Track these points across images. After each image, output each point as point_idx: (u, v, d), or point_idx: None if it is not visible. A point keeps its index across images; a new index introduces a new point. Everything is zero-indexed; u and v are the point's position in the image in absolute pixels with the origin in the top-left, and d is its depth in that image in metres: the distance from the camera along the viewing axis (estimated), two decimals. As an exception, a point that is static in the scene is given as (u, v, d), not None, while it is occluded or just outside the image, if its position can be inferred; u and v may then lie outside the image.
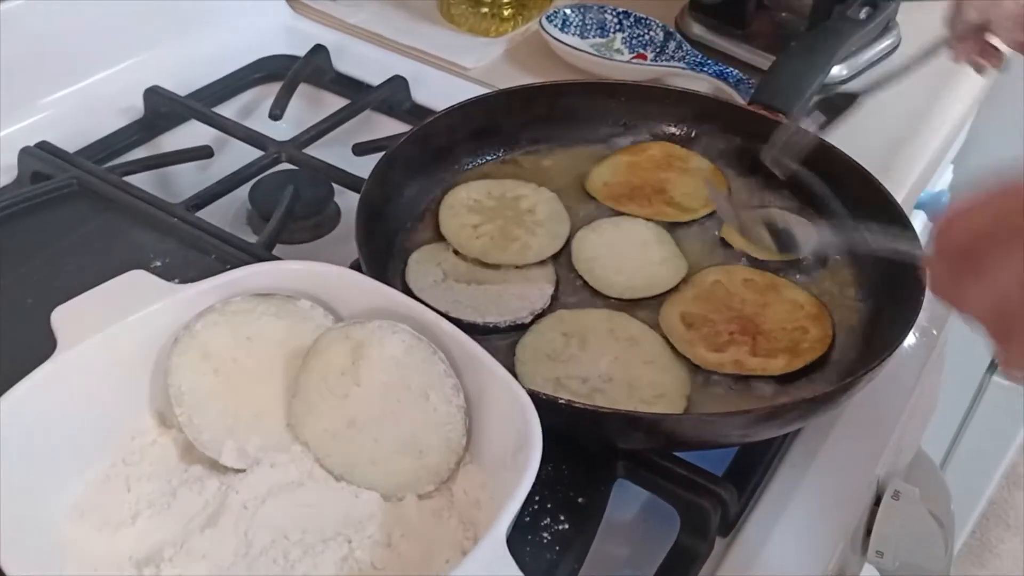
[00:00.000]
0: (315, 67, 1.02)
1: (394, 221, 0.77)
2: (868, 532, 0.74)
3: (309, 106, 1.03)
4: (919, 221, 1.31)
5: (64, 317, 0.56)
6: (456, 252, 0.75)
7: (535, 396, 0.56)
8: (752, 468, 0.67)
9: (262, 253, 0.77)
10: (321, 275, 0.61)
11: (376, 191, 0.74)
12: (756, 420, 0.59)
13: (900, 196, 0.95)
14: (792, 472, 0.69)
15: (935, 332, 0.86)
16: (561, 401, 0.58)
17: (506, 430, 0.55)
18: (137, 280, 0.60)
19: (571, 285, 0.75)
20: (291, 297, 0.60)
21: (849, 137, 0.99)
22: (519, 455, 0.51)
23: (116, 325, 0.56)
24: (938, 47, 0.69)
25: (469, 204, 0.79)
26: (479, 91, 1.02)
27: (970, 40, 0.68)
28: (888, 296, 0.73)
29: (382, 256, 0.73)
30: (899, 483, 0.76)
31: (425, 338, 0.57)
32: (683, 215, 0.81)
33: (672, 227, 0.80)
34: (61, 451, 0.55)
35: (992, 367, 1.87)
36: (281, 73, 1.02)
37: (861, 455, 0.73)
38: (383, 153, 0.76)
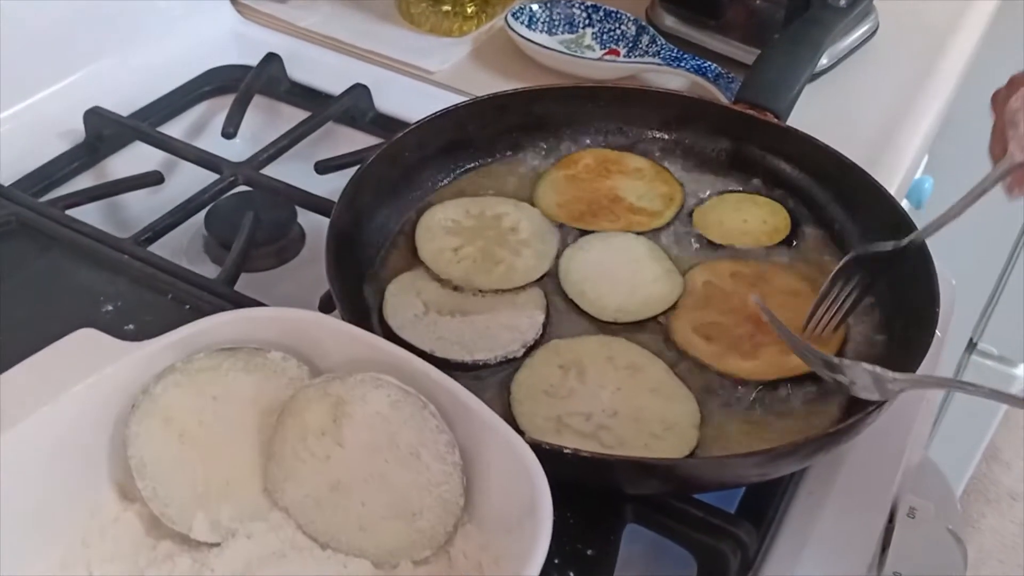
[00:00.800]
0: (269, 77, 0.96)
1: (367, 248, 0.71)
2: (883, 549, 0.71)
3: (265, 120, 0.97)
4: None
5: (4, 389, 0.50)
6: (437, 279, 0.70)
7: (538, 448, 0.51)
8: (768, 500, 0.62)
9: (223, 290, 0.71)
10: (294, 322, 0.55)
11: (346, 218, 0.68)
12: (775, 458, 0.55)
13: (893, 187, 0.91)
14: (809, 500, 0.65)
15: (939, 334, 0.82)
16: (567, 451, 0.53)
17: (509, 488, 0.50)
18: (87, 339, 0.53)
19: (562, 309, 0.69)
20: (260, 349, 0.54)
21: (834, 127, 0.96)
22: (527, 521, 0.46)
23: (65, 394, 0.50)
24: (987, 187, 0.65)
25: (447, 225, 0.74)
26: (445, 96, 0.98)
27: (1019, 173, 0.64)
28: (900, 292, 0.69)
29: (356, 290, 0.67)
30: (913, 499, 0.73)
31: (413, 390, 0.51)
32: (655, 220, 0.76)
33: (648, 234, 0.75)
34: (8, 539, 0.48)
35: (971, 346, 1.86)
36: (232, 85, 0.95)
37: (878, 474, 0.69)
38: (350, 177, 0.69)
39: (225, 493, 0.54)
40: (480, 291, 0.69)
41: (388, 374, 0.53)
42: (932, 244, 0.70)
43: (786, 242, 0.75)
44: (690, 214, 0.77)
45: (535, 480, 0.47)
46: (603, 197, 0.77)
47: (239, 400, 0.54)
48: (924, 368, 0.64)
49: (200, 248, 0.86)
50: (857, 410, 0.59)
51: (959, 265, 1.51)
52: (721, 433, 0.61)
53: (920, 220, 1.13)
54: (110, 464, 0.53)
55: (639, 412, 0.62)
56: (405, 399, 0.51)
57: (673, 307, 0.69)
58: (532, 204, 0.77)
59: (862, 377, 0.59)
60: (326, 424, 0.52)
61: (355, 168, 0.72)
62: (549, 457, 0.52)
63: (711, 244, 0.75)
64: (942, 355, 0.82)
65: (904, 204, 1.22)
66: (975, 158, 1.13)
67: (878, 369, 0.58)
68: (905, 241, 0.68)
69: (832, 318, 0.68)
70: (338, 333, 0.54)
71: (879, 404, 0.58)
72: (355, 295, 0.66)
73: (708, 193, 0.79)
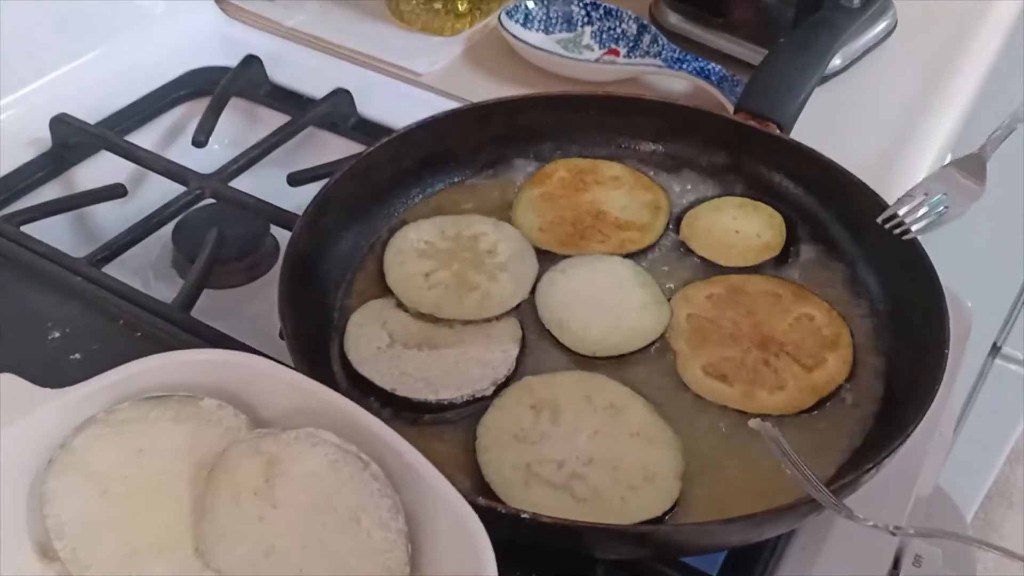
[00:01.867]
0: (247, 80, 0.91)
1: (331, 273, 0.66)
2: (886, 599, 0.65)
3: (243, 124, 0.92)
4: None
5: (-92, 442, 0.46)
6: (405, 308, 0.65)
7: (493, 512, 0.46)
8: (755, 558, 0.57)
9: (178, 316, 0.66)
10: (230, 367, 0.50)
11: (306, 243, 0.63)
12: (759, 523, 0.49)
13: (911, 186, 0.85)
14: (803, 557, 0.59)
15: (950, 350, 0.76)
16: (524, 516, 0.48)
17: (456, 558, 0.45)
18: (4, 386, 0.49)
19: (539, 340, 0.64)
20: (191, 397, 0.50)
21: (846, 132, 0.90)
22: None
23: (-26, 449, 0.46)
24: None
25: (420, 247, 0.69)
26: (433, 100, 0.93)
27: None
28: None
29: (315, 322, 0.62)
30: (920, 545, 0.67)
31: (354, 449, 0.47)
32: (646, 235, 0.71)
33: (641, 254, 0.70)
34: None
35: (995, 350, 1.79)
36: (212, 88, 0.90)
37: (882, 519, 0.63)
38: (313, 197, 0.64)
39: (154, 553, 0.49)
40: (451, 321, 0.64)
41: (332, 426, 0.48)
42: (952, 252, 0.65)
43: (779, 259, 0.70)
44: (679, 221, 0.72)
45: (479, 554, 0.42)
46: (585, 214, 0.72)
47: (169, 453, 0.49)
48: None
49: (168, 263, 0.82)
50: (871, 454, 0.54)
51: (981, 269, 1.46)
52: (717, 477, 0.56)
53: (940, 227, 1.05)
54: (29, 521, 0.49)
55: (617, 459, 0.57)
56: (344, 459, 0.46)
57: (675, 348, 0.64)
58: (512, 222, 0.72)
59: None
60: (258, 483, 0.47)
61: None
62: (506, 521, 0.47)
63: (699, 259, 0.70)
64: (965, 358, 0.76)
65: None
66: (999, 162, 1.05)
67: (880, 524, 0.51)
68: None
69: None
70: (278, 378, 0.50)
71: (880, 460, 0.52)
72: (311, 330, 0.61)
73: (695, 197, 0.74)
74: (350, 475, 0.46)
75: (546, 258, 0.69)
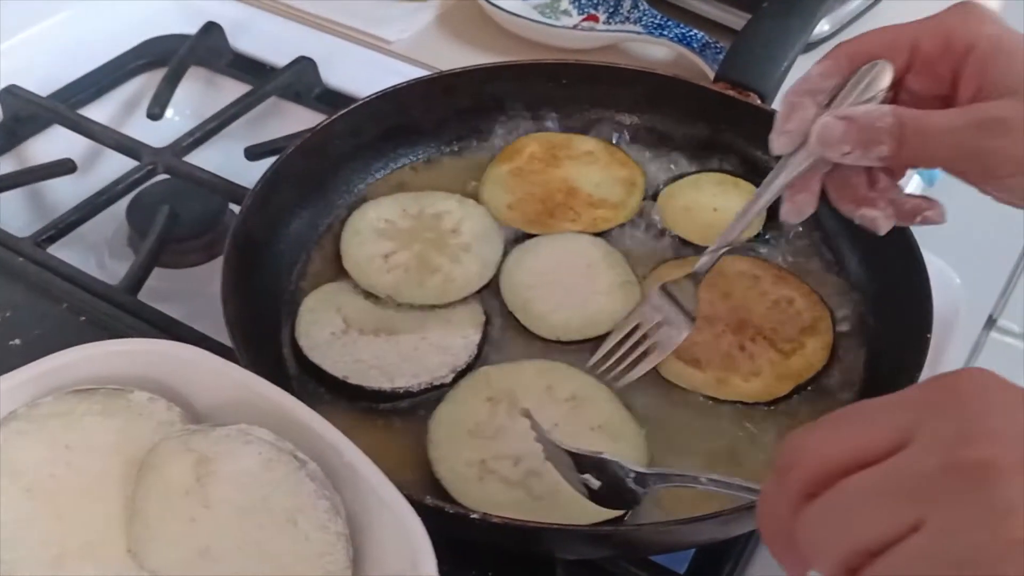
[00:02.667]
0: (207, 49, 0.87)
1: (285, 255, 0.63)
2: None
3: (205, 95, 0.88)
4: (915, 186, 1.18)
5: None
6: (363, 291, 0.61)
7: (441, 512, 0.43)
8: (725, 555, 0.54)
9: (123, 299, 0.63)
10: (163, 357, 0.47)
11: (254, 223, 0.60)
12: (727, 521, 0.46)
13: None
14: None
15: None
16: (474, 517, 0.45)
17: (399, 560, 0.42)
18: (-81, 379, 0.46)
19: (504, 323, 0.61)
20: (120, 390, 0.46)
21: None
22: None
23: None
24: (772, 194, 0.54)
25: (379, 227, 0.65)
26: (403, 69, 0.89)
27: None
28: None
29: (265, 307, 0.59)
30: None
31: (288, 447, 0.44)
32: (619, 213, 0.68)
33: (613, 232, 0.67)
34: None
35: (990, 322, 1.77)
36: (171, 58, 0.87)
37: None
38: (262, 173, 0.61)
39: (85, 554, 0.46)
40: (410, 305, 0.61)
41: (269, 421, 0.45)
42: (946, 223, 0.61)
43: (759, 238, 0.67)
44: (655, 198, 0.69)
45: (418, 554, 0.40)
46: (556, 191, 0.69)
47: (98, 449, 0.46)
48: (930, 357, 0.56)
49: (124, 242, 0.79)
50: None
51: (977, 240, 1.42)
52: (687, 468, 0.53)
53: (934, 196, 1.00)
54: (-50, 523, 0.46)
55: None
56: (278, 457, 0.43)
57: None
58: (479, 200, 0.68)
59: (617, 472, 0.47)
60: (189, 483, 0.44)
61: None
62: (456, 522, 0.44)
63: (676, 238, 0.67)
64: (953, 338, 0.73)
65: (915, 181, 1.12)
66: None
67: (627, 464, 0.47)
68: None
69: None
70: (211, 371, 0.46)
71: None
72: (260, 315, 0.58)
73: (673, 174, 0.71)
74: (285, 474, 0.43)
75: (513, 238, 0.66)
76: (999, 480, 0.29)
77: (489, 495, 0.50)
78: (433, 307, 0.61)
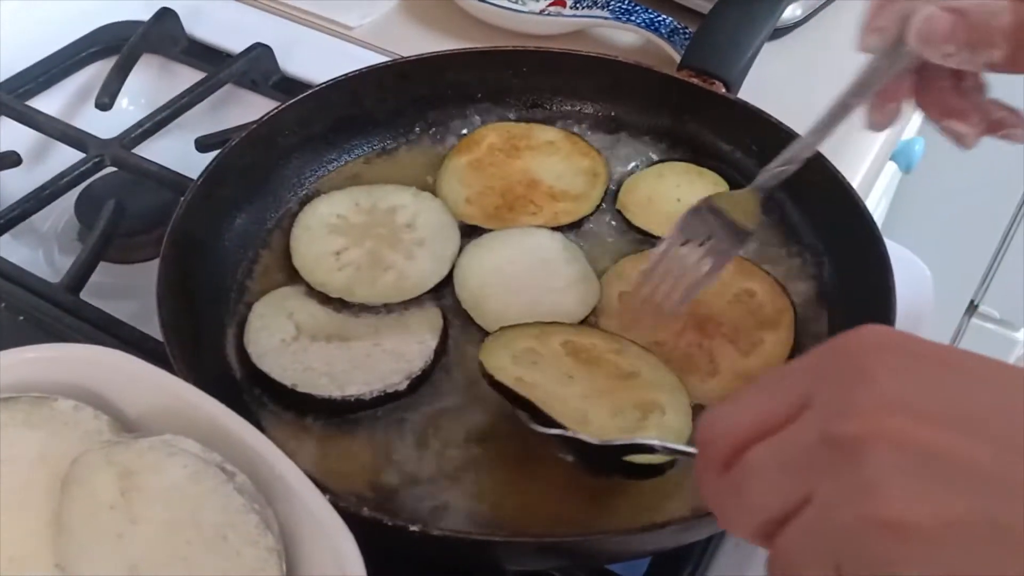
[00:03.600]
0: (161, 35, 0.84)
1: (230, 253, 0.61)
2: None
3: (160, 84, 0.86)
4: (891, 174, 1.17)
5: None
6: (315, 295, 0.59)
7: (379, 523, 0.41)
8: (683, 560, 0.52)
9: (64, 298, 0.61)
10: (87, 363, 0.45)
11: (197, 217, 0.57)
12: (678, 531, 0.45)
13: (873, 150, 0.80)
14: (736, 553, 0.55)
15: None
16: (413, 529, 0.43)
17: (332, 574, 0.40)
18: None
19: (462, 323, 0.59)
20: (45, 397, 0.44)
21: (813, 77, 0.84)
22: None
23: None
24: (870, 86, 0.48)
25: (331, 222, 0.63)
26: (363, 56, 0.86)
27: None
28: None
29: (206, 309, 0.57)
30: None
31: (216, 459, 0.42)
32: (581, 205, 0.66)
33: (575, 226, 0.65)
34: None
35: (971, 308, 1.76)
36: (124, 45, 0.84)
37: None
38: (204, 168, 0.59)
39: (8, 571, 0.44)
40: (364, 308, 0.59)
41: (199, 431, 0.43)
42: (927, 209, 0.58)
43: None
44: (617, 190, 0.67)
45: (347, 569, 0.38)
46: (517, 184, 0.67)
47: (21, 460, 0.44)
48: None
49: (74, 236, 0.76)
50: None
51: (958, 225, 1.40)
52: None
53: (911, 184, 0.98)
54: None
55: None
56: (205, 470, 0.41)
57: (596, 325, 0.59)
58: (436, 194, 0.66)
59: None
60: (114, 497, 0.42)
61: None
62: (396, 534, 0.42)
63: (638, 231, 0.65)
64: (922, 330, 0.71)
65: (891, 167, 1.10)
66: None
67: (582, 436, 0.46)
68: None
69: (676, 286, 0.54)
70: (139, 378, 0.44)
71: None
72: (200, 317, 0.55)
73: (635, 164, 0.69)
74: (212, 488, 0.41)
75: (471, 233, 0.64)
76: (867, 454, 0.29)
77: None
78: (389, 310, 0.59)
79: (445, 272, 0.61)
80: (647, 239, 0.64)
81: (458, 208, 0.65)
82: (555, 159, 0.68)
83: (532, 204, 0.66)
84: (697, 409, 0.53)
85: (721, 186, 0.67)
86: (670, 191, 0.67)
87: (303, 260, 0.61)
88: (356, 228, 0.63)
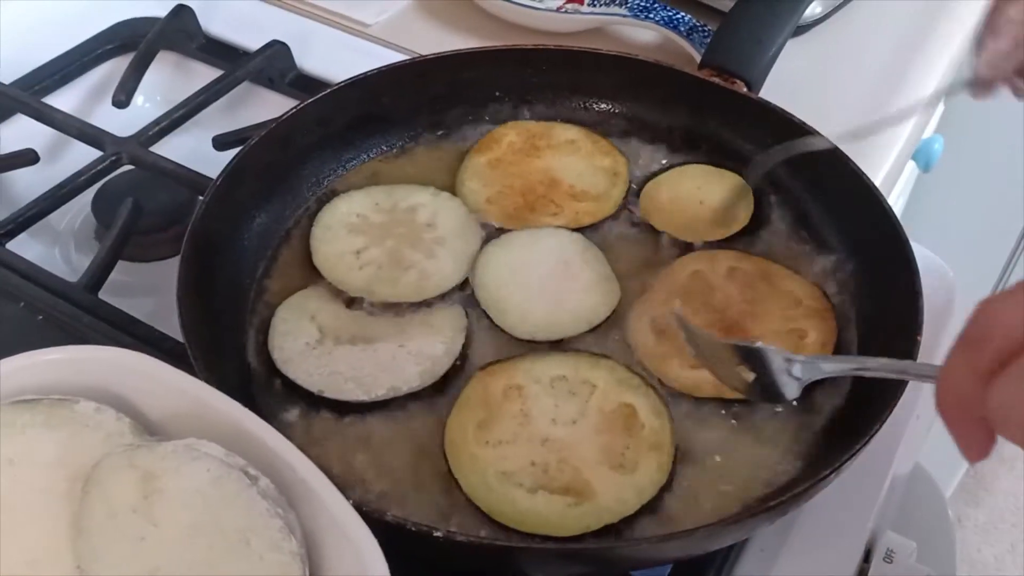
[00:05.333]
0: (178, 32, 0.84)
1: (249, 252, 0.60)
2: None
3: (177, 81, 0.85)
4: (909, 172, 1.16)
5: None
6: (336, 294, 0.59)
7: (403, 529, 0.41)
8: (707, 564, 0.52)
9: (81, 297, 0.61)
10: (111, 365, 0.45)
11: (216, 217, 0.57)
12: (702, 538, 0.44)
13: (896, 148, 0.79)
14: (761, 558, 0.54)
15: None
16: (437, 535, 0.43)
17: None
18: None
19: (482, 322, 0.58)
20: (65, 400, 0.44)
21: (834, 75, 0.83)
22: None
23: None
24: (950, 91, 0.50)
25: (351, 221, 0.63)
26: (380, 53, 0.86)
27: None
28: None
29: (227, 307, 0.56)
30: (892, 537, 0.63)
31: (239, 463, 0.41)
32: (603, 206, 0.65)
33: (595, 227, 0.64)
34: None
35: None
36: (140, 42, 0.84)
37: (851, 510, 0.58)
38: (223, 167, 0.58)
39: (30, 573, 0.44)
40: (387, 306, 0.58)
41: (221, 434, 0.43)
42: (942, 212, 0.58)
43: (748, 231, 0.64)
44: (638, 191, 0.66)
45: (370, 573, 0.37)
46: (537, 183, 0.66)
47: (42, 463, 0.44)
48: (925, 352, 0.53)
49: (91, 234, 0.76)
50: (820, 466, 0.48)
51: (975, 227, 1.39)
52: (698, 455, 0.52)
53: (928, 184, 0.96)
54: None
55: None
56: (228, 474, 0.41)
57: (648, 292, 0.59)
58: (455, 193, 0.65)
59: (774, 361, 0.47)
60: (136, 500, 0.42)
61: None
62: (420, 540, 0.42)
63: (661, 233, 0.64)
64: (947, 331, 0.71)
65: (909, 166, 1.09)
66: (991, 114, 0.97)
67: (785, 352, 0.47)
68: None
69: None
70: (162, 381, 0.44)
71: (837, 467, 0.47)
72: (219, 318, 0.55)
73: (656, 164, 0.68)
74: (236, 492, 0.41)
75: (491, 233, 0.63)
76: None
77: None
78: (412, 310, 0.58)
79: (466, 271, 0.60)
80: (670, 241, 0.63)
81: (478, 207, 0.65)
82: (575, 158, 0.68)
83: (553, 204, 0.65)
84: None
85: (742, 185, 0.66)
86: (692, 193, 0.66)
87: (323, 259, 0.60)
88: (376, 227, 0.62)
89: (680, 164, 0.68)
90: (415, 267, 0.60)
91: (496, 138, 0.68)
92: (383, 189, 0.65)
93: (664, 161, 0.69)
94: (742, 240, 0.64)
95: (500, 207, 0.65)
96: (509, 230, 0.63)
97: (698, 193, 0.66)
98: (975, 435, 0.33)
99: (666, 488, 0.49)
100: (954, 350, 0.34)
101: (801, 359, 0.47)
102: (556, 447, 0.51)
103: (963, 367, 0.33)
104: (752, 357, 0.47)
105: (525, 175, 0.66)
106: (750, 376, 0.47)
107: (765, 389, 0.48)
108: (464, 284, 0.60)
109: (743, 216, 0.64)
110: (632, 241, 0.64)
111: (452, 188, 0.66)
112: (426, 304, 0.59)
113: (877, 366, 0.46)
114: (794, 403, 0.54)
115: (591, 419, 0.52)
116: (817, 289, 0.60)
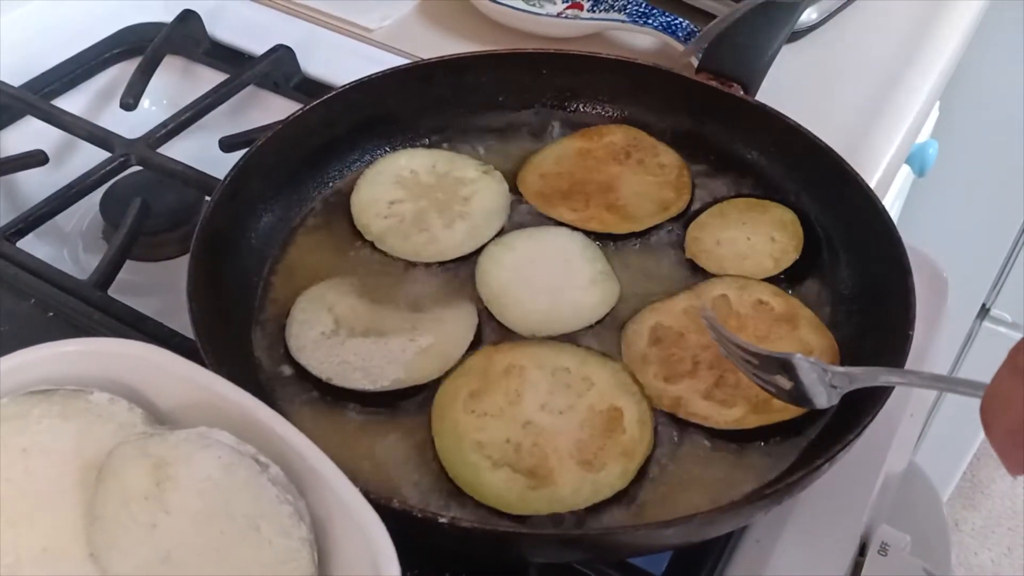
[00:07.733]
0: (184, 37, 0.86)
1: (256, 250, 0.61)
2: (850, 587, 0.62)
3: (183, 84, 0.87)
4: (905, 176, 1.17)
5: None
6: (353, 291, 0.60)
7: (408, 515, 0.42)
8: (703, 557, 0.53)
9: (92, 294, 0.62)
10: (124, 357, 0.46)
11: (224, 216, 0.58)
12: (701, 525, 0.45)
13: (889, 152, 0.80)
14: (757, 549, 0.56)
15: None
16: (442, 521, 0.44)
17: (363, 565, 0.41)
18: None
19: (496, 324, 0.59)
20: (79, 390, 0.45)
21: (829, 80, 0.84)
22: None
23: None
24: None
25: (402, 175, 0.66)
26: (383, 58, 0.87)
27: None
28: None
29: (235, 303, 0.58)
30: (887, 531, 0.64)
31: (250, 451, 0.42)
32: (624, 224, 0.65)
33: (610, 240, 0.65)
34: None
35: (983, 312, 1.76)
36: (147, 47, 0.85)
37: (846, 503, 0.59)
38: (232, 166, 0.60)
39: (43, 561, 0.45)
40: (401, 303, 0.60)
41: (232, 423, 0.44)
42: (939, 212, 0.59)
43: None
44: (685, 225, 0.65)
45: (380, 558, 0.39)
46: (593, 182, 0.67)
47: (56, 452, 0.45)
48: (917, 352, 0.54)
49: (99, 234, 0.77)
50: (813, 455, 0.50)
51: (971, 228, 1.41)
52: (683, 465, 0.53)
53: (923, 187, 0.97)
54: (-98, 529, 0.45)
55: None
56: (239, 461, 0.42)
57: (667, 298, 0.60)
58: (519, 170, 0.68)
59: (808, 373, 0.49)
60: (148, 487, 0.43)
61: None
62: (425, 526, 0.43)
63: (696, 268, 0.63)
64: (940, 331, 0.72)
65: (904, 170, 1.11)
66: (985, 118, 0.99)
67: (821, 363, 0.49)
68: None
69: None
70: (171, 373, 0.45)
71: (831, 456, 0.48)
72: (228, 313, 0.56)
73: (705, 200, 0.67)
74: (246, 479, 0.42)
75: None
76: None
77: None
78: (423, 309, 0.60)
79: (471, 249, 0.62)
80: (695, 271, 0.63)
81: (528, 177, 0.67)
82: (649, 179, 0.68)
83: (584, 202, 0.66)
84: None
85: (787, 217, 0.65)
86: (738, 231, 0.64)
87: (359, 199, 0.64)
88: (421, 186, 0.66)
89: (718, 202, 0.67)
90: (429, 231, 0.63)
91: (602, 132, 0.70)
92: (447, 155, 0.68)
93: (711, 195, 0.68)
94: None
95: (542, 185, 0.67)
96: (516, 226, 0.65)
97: (743, 229, 0.65)
98: (1020, 448, 0.33)
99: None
100: (1003, 371, 0.34)
101: (840, 370, 0.48)
102: (534, 431, 0.52)
103: (1012, 387, 0.33)
104: (786, 368, 0.49)
105: (593, 172, 0.68)
106: (787, 384, 0.48)
107: (799, 397, 0.49)
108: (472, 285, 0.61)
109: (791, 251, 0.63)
110: (650, 262, 0.64)
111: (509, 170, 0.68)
112: (439, 303, 0.60)
113: (923, 379, 0.47)
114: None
115: (579, 414, 0.53)
116: (836, 351, 0.58)
